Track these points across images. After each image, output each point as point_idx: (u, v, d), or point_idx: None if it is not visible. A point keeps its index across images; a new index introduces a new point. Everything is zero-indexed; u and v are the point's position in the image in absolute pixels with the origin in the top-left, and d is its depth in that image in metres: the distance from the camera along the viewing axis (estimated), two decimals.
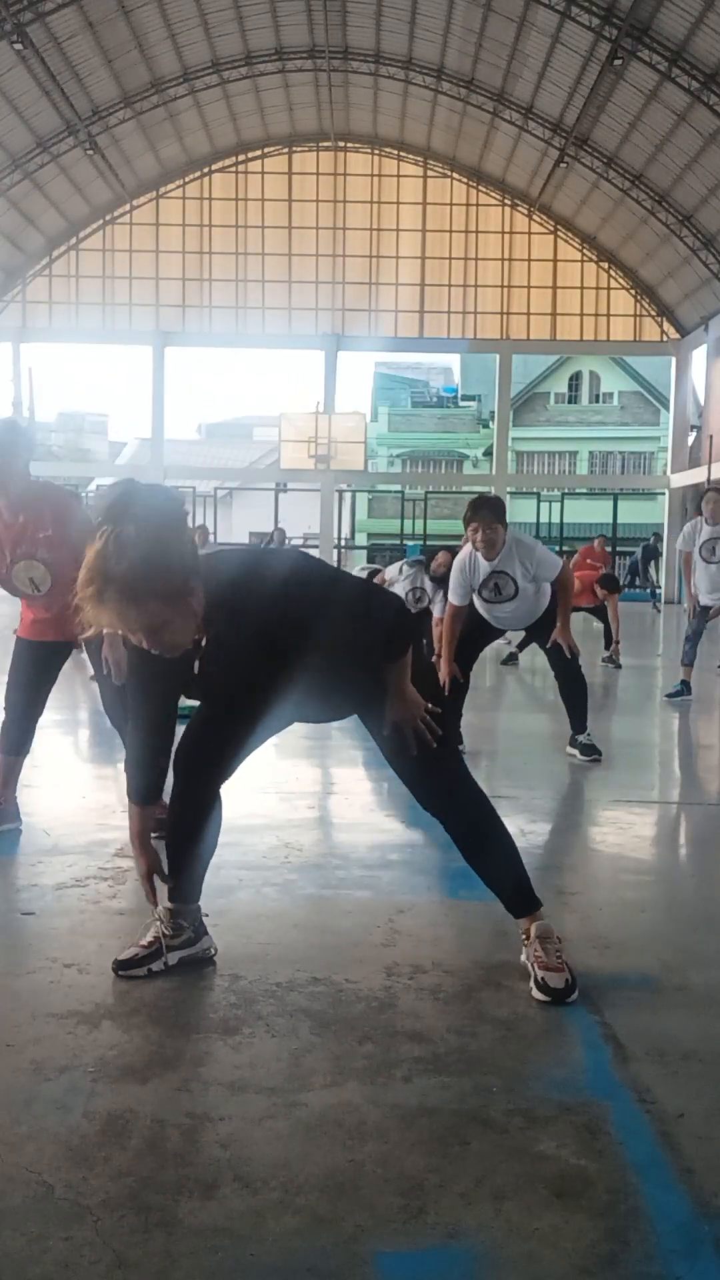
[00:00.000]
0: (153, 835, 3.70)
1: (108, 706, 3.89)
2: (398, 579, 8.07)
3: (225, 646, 2.30)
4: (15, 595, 3.73)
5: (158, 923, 2.57)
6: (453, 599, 5.24)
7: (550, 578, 5.17)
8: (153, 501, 2.13)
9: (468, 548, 5.13)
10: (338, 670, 2.42)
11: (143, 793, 2.49)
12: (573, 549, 16.23)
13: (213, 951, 2.62)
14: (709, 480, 25.24)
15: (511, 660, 10.18)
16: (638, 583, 22.70)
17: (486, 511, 4.97)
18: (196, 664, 2.33)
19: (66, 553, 3.48)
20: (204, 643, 2.28)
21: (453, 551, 7.97)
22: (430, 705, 2.48)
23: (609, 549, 15.64)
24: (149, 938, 2.54)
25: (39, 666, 3.75)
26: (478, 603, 5.29)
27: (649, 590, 22.76)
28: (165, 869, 2.56)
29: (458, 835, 2.60)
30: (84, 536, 3.59)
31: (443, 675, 5.24)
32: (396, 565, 8.41)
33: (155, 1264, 1.53)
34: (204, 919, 2.64)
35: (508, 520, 5.14)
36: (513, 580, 5.07)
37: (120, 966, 2.50)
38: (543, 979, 2.43)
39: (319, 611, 2.29)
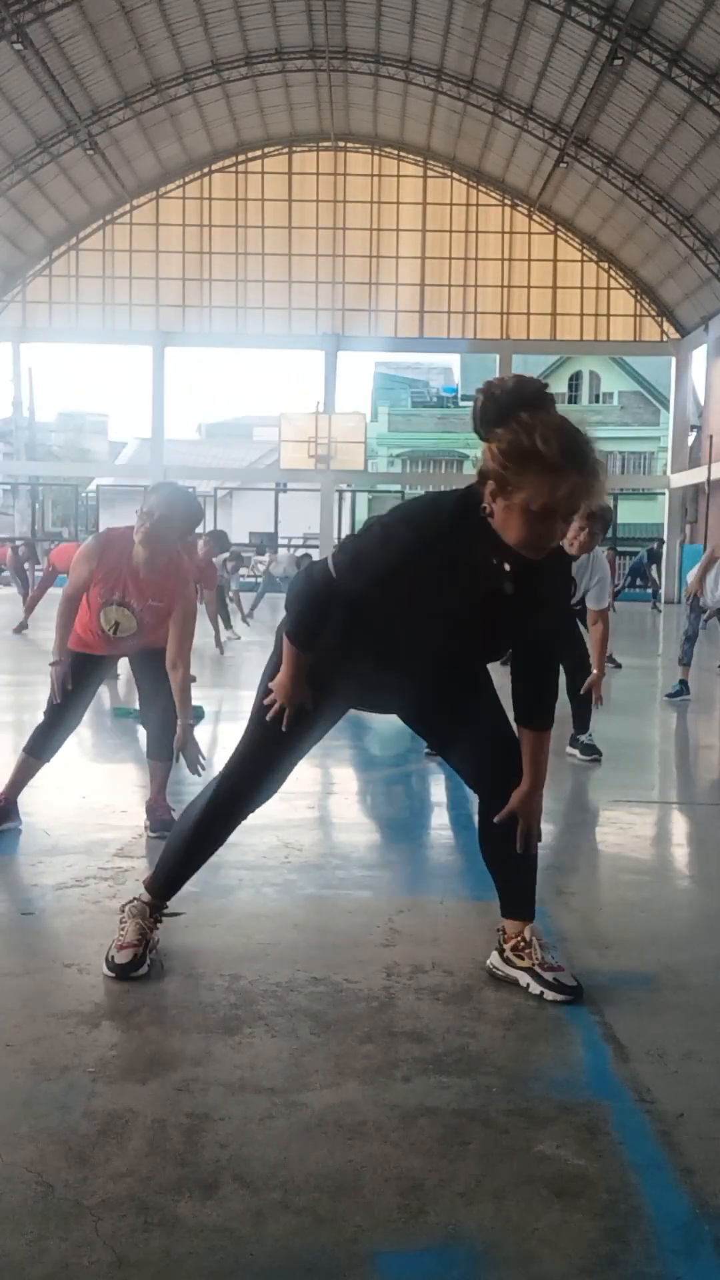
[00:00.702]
0: (152, 835, 3.72)
1: (151, 728, 3.94)
2: None
3: (533, 583, 2.22)
4: (92, 631, 3.71)
5: (138, 919, 2.56)
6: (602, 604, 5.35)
7: (600, 605, 5.34)
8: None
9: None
10: (460, 677, 2.45)
11: (307, 639, 2.36)
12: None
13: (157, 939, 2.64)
14: (709, 480, 25.27)
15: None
16: (639, 584, 22.71)
17: (600, 509, 4.82)
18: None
19: (158, 624, 3.63)
20: (509, 569, 2.19)
21: None
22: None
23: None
24: (135, 936, 2.54)
25: (79, 677, 3.76)
26: None
27: (650, 591, 22.79)
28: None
29: (495, 830, 2.50)
30: (187, 593, 3.62)
31: None
32: None
33: (155, 1264, 1.53)
34: (174, 916, 2.66)
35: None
36: (574, 585, 5.17)
37: (124, 971, 2.48)
38: (555, 979, 2.43)
39: (556, 594, 2.34)
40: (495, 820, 2.45)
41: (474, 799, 2.64)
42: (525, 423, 2.04)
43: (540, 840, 2.50)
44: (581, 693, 5.38)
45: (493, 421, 2.08)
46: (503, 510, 2.10)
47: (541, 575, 2.22)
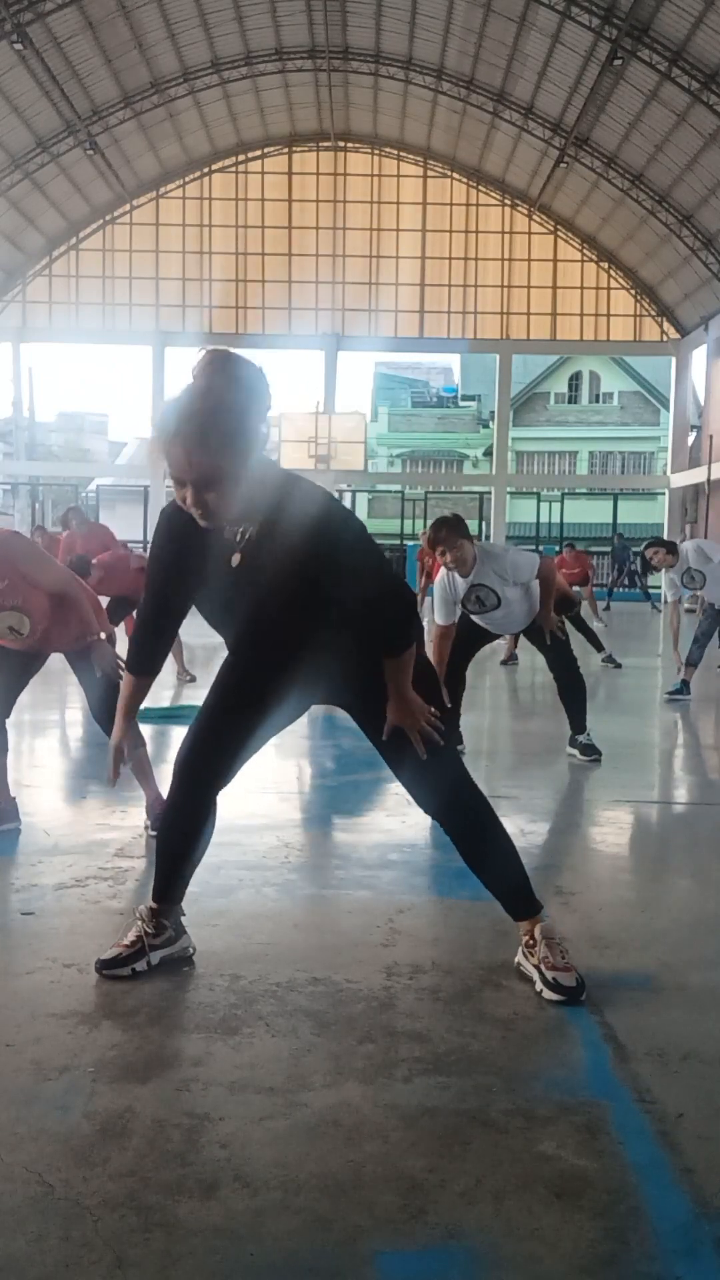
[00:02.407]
0: (152, 834, 3.72)
1: (94, 707, 3.91)
2: None
3: (257, 555, 2.28)
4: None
5: (139, 921, 2.57)
6: (439, 620, 5.19)
7: (529, 579, 5.14)
8: (248, 375, 2.21)
9: (443, 570, 5.10)
10: (338, 647, 2.41)
11: (138, 662, 2.60)
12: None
13: (191, 950, 2.63)
14: (709, 480, 25.26)
15: (512, 660, 10.18)
16: (637, 584, 22.58)
17: (446, 532, 4.94)
18: (230, 560, 2.31)
19: (33, 592, 3.57)
20: (239, 536, 2.30)
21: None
22: (433, 709, 2.47)
23: (586, 551, 15.59)
24: (131, 937, 2.54)
25: (15, 672, 3.76)
26: (466, 619, 5.29)
27: (643, 592, 22.69)
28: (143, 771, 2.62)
29: (457, 838, 2.59)
30: (43, 568, 3.62)
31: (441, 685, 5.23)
32: None
33: (155, 1264, 1.53)
34: (182, 918, 2.65)
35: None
36: (493, 591, 5.05)
37: (104, 966, 2.50)
38: (554, 979, 2.43)
39: (348, 558, 2.30)
40: (383, 739, 2.46)
41: None
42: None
43: (439, 738, 2.45)
44: (545, 646, 5.39)
45: None
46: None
47: (273, 539, 2.26)
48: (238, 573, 2.31)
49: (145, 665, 2.61)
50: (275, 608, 2.35)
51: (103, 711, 3.80)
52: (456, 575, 5.03)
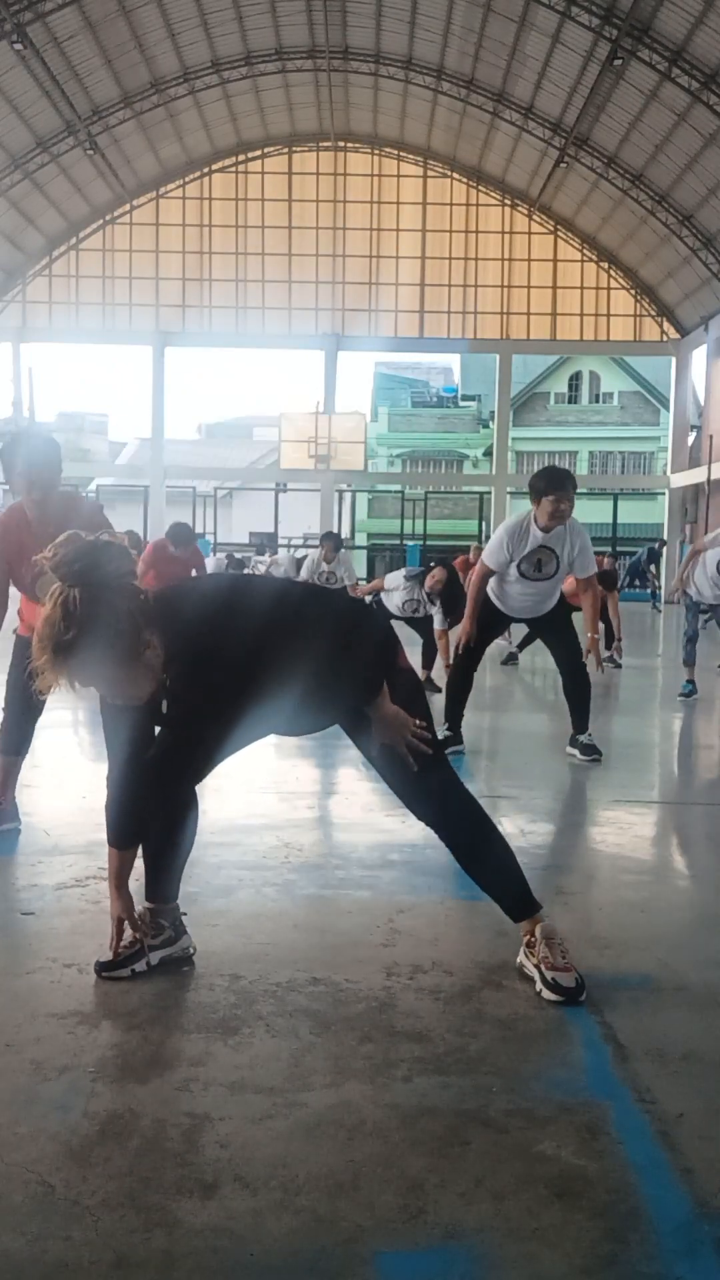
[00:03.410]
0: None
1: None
2: (397, 587, 8.07)
3: (194, 683, 2.26)
4: (34, 600, 3.70)
5: (139, 922, 2.57)
6: (488, 561, 5.17)
7: (587, 571, 5.20)
8: (97, 555, 2.10)
9: (522, 514, 5.10)
10: (319, 687, 2.40)
11: (122, 838, 2.48)
12: None
13: (192, 950, 2.63)
14: (709, 480, 25.26)
15: (511, 660, 10.18)
16: (638, 584, 22.57)
17: (571, 487, 4.95)
18: (164, 703, 2.32)
19: None
20: (168, 683, 2.26)
21: (446, 566, 7.99)
22: (417, 720, 2.47)
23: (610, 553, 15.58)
24: (129, 939, 2.54)
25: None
26: (501, 582, 5.25)
27: (650, 591, 22.67)
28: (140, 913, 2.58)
29: (452, 843, 2.61)
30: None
31: (462, 634, 5.29)
32: (397, 573, 8.39)
33: (155, 1264, 1.53)
34: (182, 917, 2.65)
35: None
36: (556, 558, 5.07)
37: (103, 968, 2.50)
38: (553, 979, 2.43)
39: (303, 638, 2.30)
40: (374, 755, 2.49)
41: (479, 797, 2.65)
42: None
43: (427, 746, 2.47)
44: (559, 646, 5.38)
45: None
46: None
47: (183, 666, 2.24)
48: (167, 715, 2.34)
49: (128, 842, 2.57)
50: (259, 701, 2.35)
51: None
52: (536, 529, 5.02)
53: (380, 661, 2.45)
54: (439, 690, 6.96)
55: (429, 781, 2.51)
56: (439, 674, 7.46)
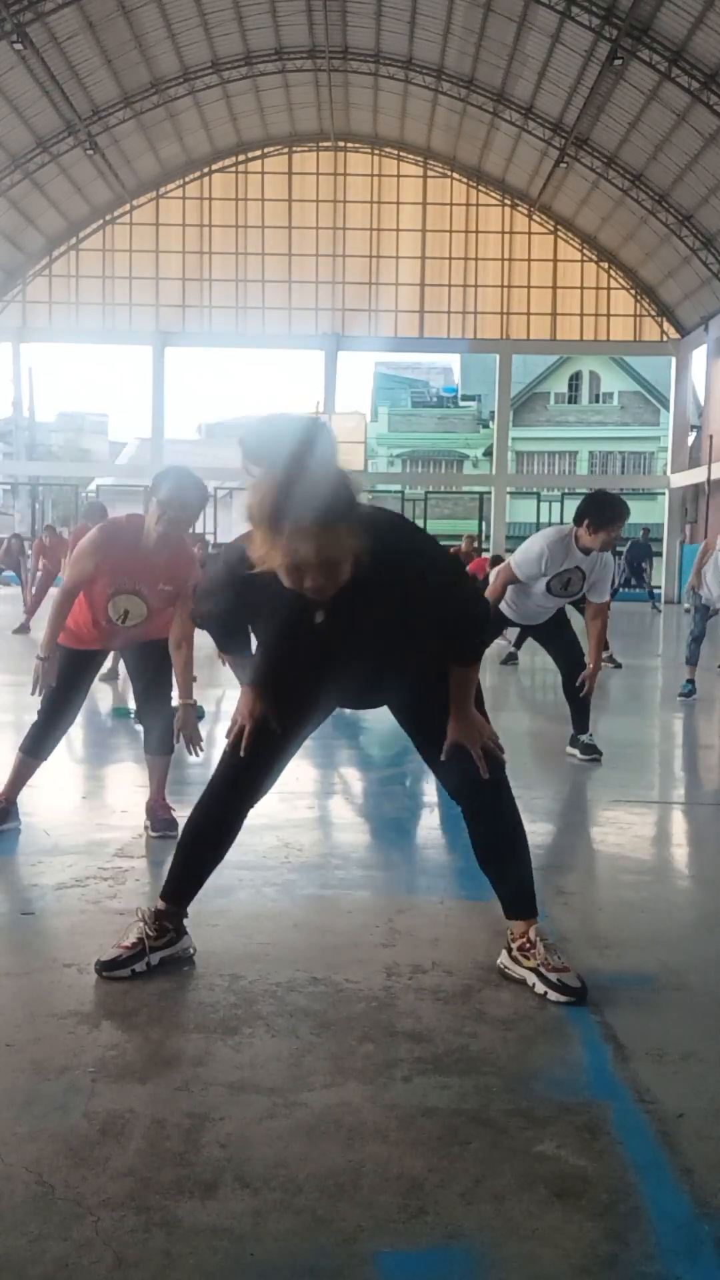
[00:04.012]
0: (153, 835, 3.72)
1: (141, 702, 3.96)
2: None
3: (346, 605, 2.21)
4: (100, 622, 3.70)
5: (140, 923, 2.57)
6: (519, 574, 5.22)
7: (602, 597, 5.30)
8: (326, 445, 2.11)
9: (565, 531, 5.13)
10: (405, 659, 2.42)
11: (225, 644, 2.63)
12: None
13: (192, 951, 2.62)
14: (709, 480, 25.26)
15: (511, 660, 10.18)
16: (634, 583, 22.38)
17: (627, 518, 5.10)
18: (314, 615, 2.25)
19: (164, 609, 3.64)
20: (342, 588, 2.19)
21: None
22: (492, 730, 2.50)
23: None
24: (132, 938, 2.54)
25: (72, 673, 3.75)
26: (521, 592, 5.31)
27: (647, 591, 22.57)
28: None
29: (485, 838, 2.58)
30: (189, 600, 3.65)
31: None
32: None
33: (155, 1264, 1.53)
34: (184, 919, 2.65)
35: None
36: (582, 580, 5.15)
37: (104, 968, 2.49)
38: (559, 980, 2.43)
39: (434, 584, 2.30)
40: (442, 758, 2.48)
41: None
42: (253, 482, 2.05)
43: (503, 758, 2.50)
44: (579, 686, 5.39)
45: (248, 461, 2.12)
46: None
47: (356, 593, 2.19)
48: (317, 627, 2.26)
49: (222, 644, 2.64)
50: (362, 645, 2.34)
51: (158, 733, 3.83)
52: (579, 549, 5.07)
53: (484, 622, 2.49)
54: None
55: (486, 785, 2.50)
56: None
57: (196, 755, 3.63)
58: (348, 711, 2.78)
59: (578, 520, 5.04)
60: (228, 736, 2.53)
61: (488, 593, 5.37)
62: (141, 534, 3.56)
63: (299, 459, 2.02)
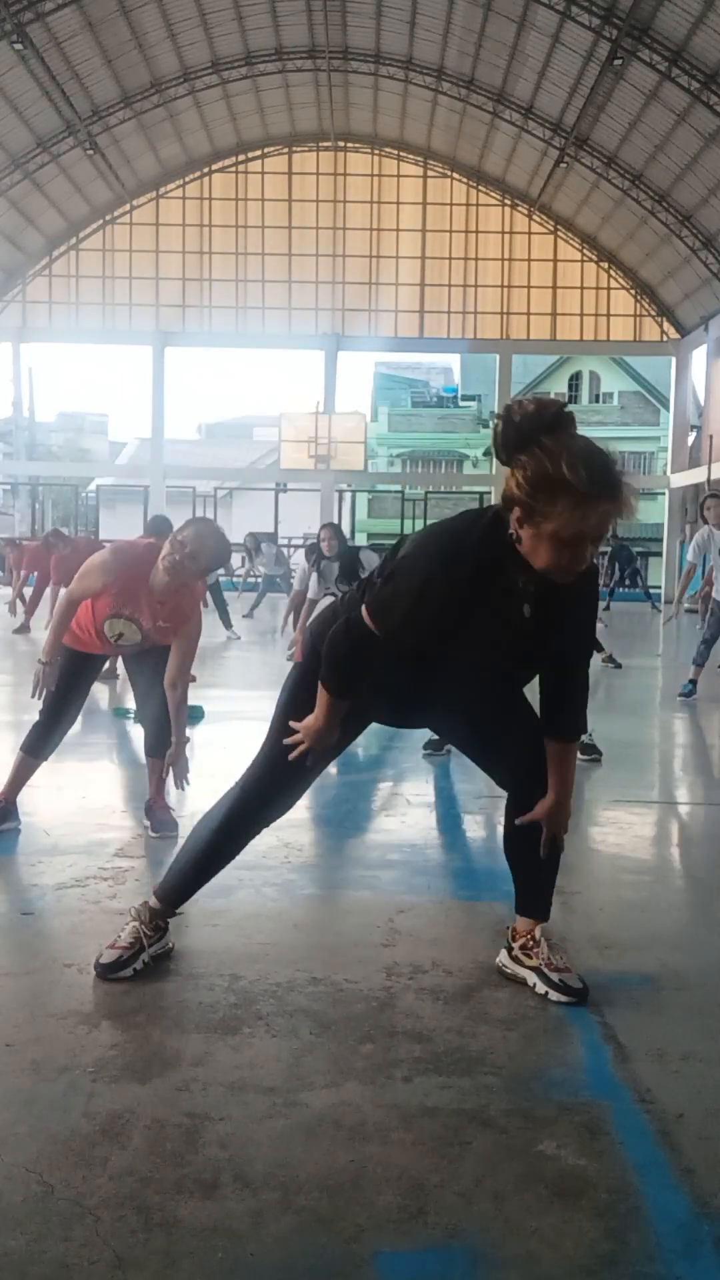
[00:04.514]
0: (152, 835, 3.72)
1: (144, 713, 3.96)
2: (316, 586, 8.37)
3: (544, 609, 2.20)
4: (89, 632, 3.72)
5: (136, 922, 2.57)
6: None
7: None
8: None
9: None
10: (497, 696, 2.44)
11: (350, 690, 2.32)
12: None
13: (171, 945, 2.63)
14: (709, 480, 25.25)
15: None
16: (628, 584, 22.20)
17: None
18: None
19: (161, 639, 3.65)
20: (533, 589, 2.16)
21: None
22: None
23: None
24: (129, 939, 2.54)
25: (74, 673, 3.77)
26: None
27: (644, 591, 22.50)
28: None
29: (522, 830, 2.53)
30: (188, 637, 3.64)
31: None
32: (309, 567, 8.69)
33: (155, 1264, 1.53)
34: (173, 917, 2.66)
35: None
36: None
37: (107, 970, 2.49)
38: (561, 980, 2.44)
39: (590, 616, 2.36)
40: (517, 823, 2.48)
41: (477, 797, 2.64)
42: (550, 450, 1.98)
43: (563, 848, 2.52)
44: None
45: (514, 447, 2.02)
46: (531, 537, 2.06)
47: (566, 594, 2.20)
48: (523, 623, 2.21)
49: (349, 691, 2.31)
50: (528, 657, 2.33)
51: (157, 734, 3.83)
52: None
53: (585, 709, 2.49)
54: None
55: (537, 776, 2.49)
56: None
57: (181, 789, 3.66)
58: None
59: None
60: (281, 745, 2.42)
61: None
62: (153, 567, 3.57)
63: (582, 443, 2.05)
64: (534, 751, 2.45)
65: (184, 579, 3.56)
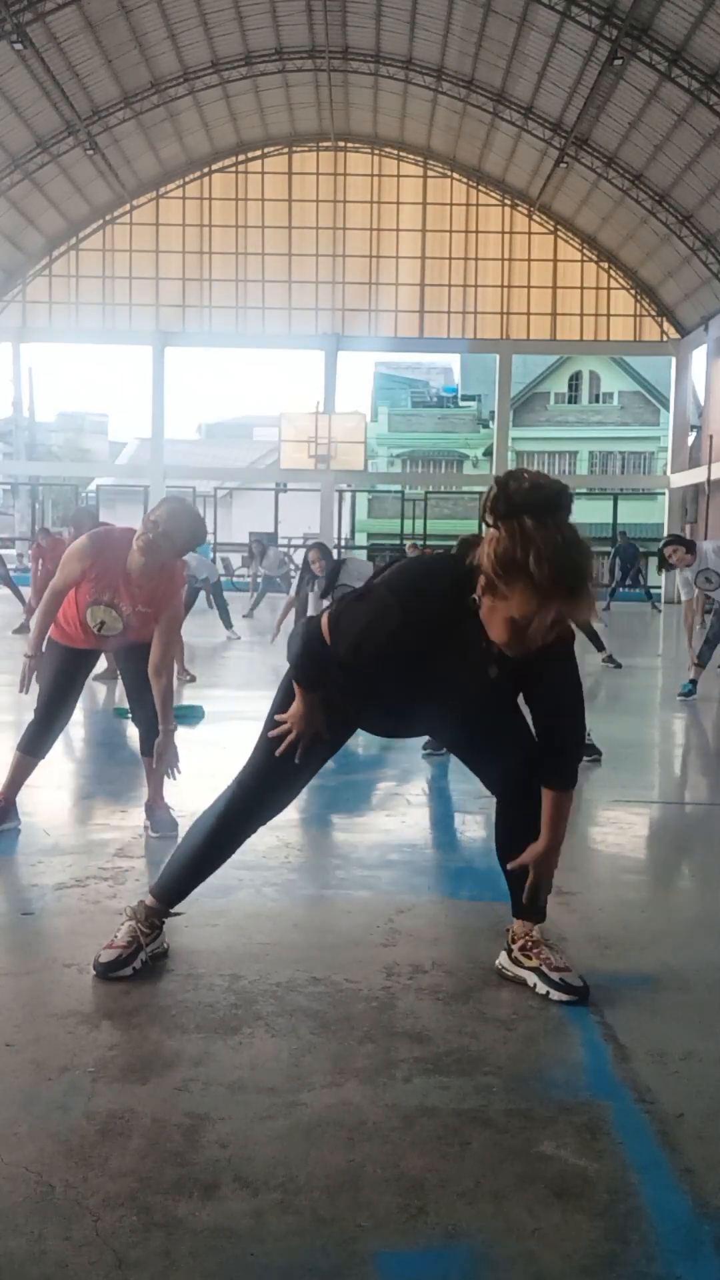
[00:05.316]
0: (152, 835, 3.72)
1: (131, 701, 3.97)
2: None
3: (508, 665, 2.22)
4: (75, 625, 3.72)
5: (133, 921, 2.57)
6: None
7: None
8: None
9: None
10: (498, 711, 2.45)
11: (313, 685, 2.39)
12: None
13: (166, 944, 2.63)
14: (709, 480, 25.26)
15: None
16: (629, 584, 22.24)
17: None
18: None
19: (144, 627, 3.65)
20: (498, 651, 2.17)
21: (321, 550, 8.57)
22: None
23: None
24: (126, 938, 2.54)
25: (67, 671, 3.77)
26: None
27: (645, 591, 22.51)
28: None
29: (513, 831, 2.55)
30: (169, 624, 3.63)
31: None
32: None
33: (155, 1264, 1.53)
34: (172, 916, 2.66)
35: None
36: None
37: (106, 970, 2.49)
38: (562, 980, 2.44)
39: (572, 667, 2.37)
40: (508, 869, 2.49)
41: (477, 797, 2.64)
42: (526, 534, 1.98)
43: (549, 893, 2.52)
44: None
45: (499, 515, 2.02)
46: (489, 609, 2.09)
47: (536, 659, 2.20)
48: (488, 682, 2.24)
49: (314, 684, 2.39)
50: (497, 702, 2.36)
51: (150, 735, 3.83)
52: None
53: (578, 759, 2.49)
54: None
55: (526, 781, 2.49)
56: None
57: (173, 778, 3.66)
58: None
59: None
60: (268, 735, 2.48)
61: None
62: (129, 551, 3.58)
63: (569, 522, 2.03)
64: (524, 764, 2.46)
65: (159, 559, 3.56)
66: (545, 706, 2.37)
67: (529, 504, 2.00)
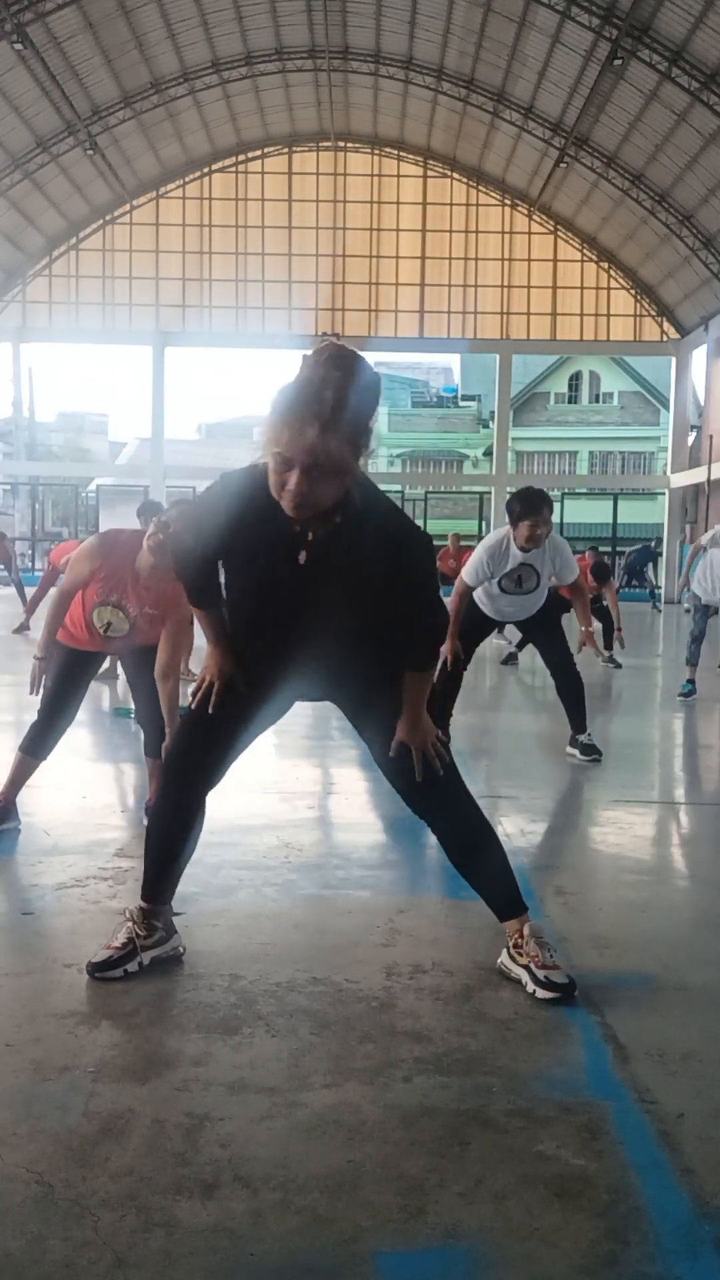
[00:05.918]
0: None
1: (142, 712, 3.97)
2: None
3: (326, 556, 2.29)
4: (81, 626, 3.73)
5: (130, 923, 2.56)
6: (467, 579, 5.25)
7: (570, 579, 5.32)
8: (373, 379, 2.25)
9: (501, 534, 5.17)
10: (363, 651, 2.45)
11: (199, 596, 2.54)
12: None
13: (181, 950, 2.62)
14: (709, 480, 25.26)
15: (511, 660, 10.18)
16: (635, 584, 22.44)
17: (547, 510, 5.06)
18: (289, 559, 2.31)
19: (150, 629, 3.66)
20: (311, 538, 2.28)
21: None
22: (440, 734, 2.51)
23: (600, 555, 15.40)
24: (122, 939, 2.54)
25: (71, 672, 3.77)
26: (485, 592, 5.33)
27: (649, 591, 22.58)
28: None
29: (448, 841, 2.61)
30: (176, 627, 3.63)
31: (447, 650, 5.25)
32: None
33: (155, 1264, 1.53)
34: (176, 917, 2.65)
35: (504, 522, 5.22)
36: (536, 574, 5.17)
37: (96, 969, 2.49)
38: (546, 977, 2.43)
39: (418, 572, 2.39)
40: (389, 754, 2.49)
41: (477, 798, 2.64)
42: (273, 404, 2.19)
43: (444, 761, 2.50)
44: (579, 647, 5.43)
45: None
46: (273, 484, 2.21)
47: (346, 544, 2.28)
48: (299, 570, 2.31)
49: (200, 599, 2.54)
50: (335, 609, 2.37)
51: (156, 735, 3.83)
52: (515, 548, 5.08)
53: (442, 634, 2.55)
54: None
55: (436, 785, 2.51)
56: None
57: None
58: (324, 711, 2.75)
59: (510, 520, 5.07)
60: (193, 695, 2.53)
61: (451, 598, 5.44)
62: (138, 551, 3.59)
63: (334, 373, 2.16)
64: (457, 850, 2.57)
65: (167, 561, 3.57)
66: (406, 605, 2.42)
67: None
